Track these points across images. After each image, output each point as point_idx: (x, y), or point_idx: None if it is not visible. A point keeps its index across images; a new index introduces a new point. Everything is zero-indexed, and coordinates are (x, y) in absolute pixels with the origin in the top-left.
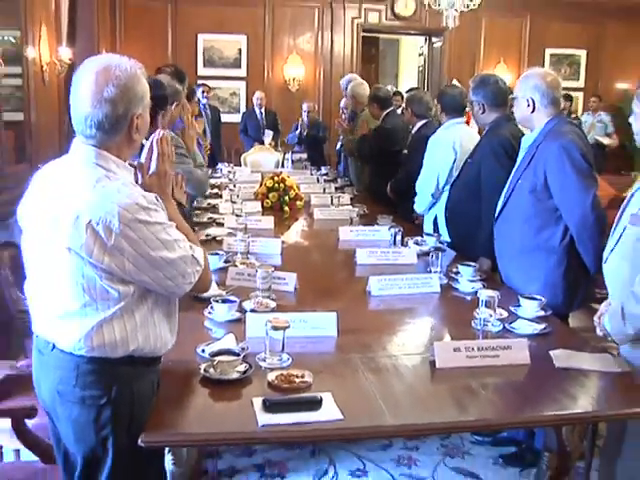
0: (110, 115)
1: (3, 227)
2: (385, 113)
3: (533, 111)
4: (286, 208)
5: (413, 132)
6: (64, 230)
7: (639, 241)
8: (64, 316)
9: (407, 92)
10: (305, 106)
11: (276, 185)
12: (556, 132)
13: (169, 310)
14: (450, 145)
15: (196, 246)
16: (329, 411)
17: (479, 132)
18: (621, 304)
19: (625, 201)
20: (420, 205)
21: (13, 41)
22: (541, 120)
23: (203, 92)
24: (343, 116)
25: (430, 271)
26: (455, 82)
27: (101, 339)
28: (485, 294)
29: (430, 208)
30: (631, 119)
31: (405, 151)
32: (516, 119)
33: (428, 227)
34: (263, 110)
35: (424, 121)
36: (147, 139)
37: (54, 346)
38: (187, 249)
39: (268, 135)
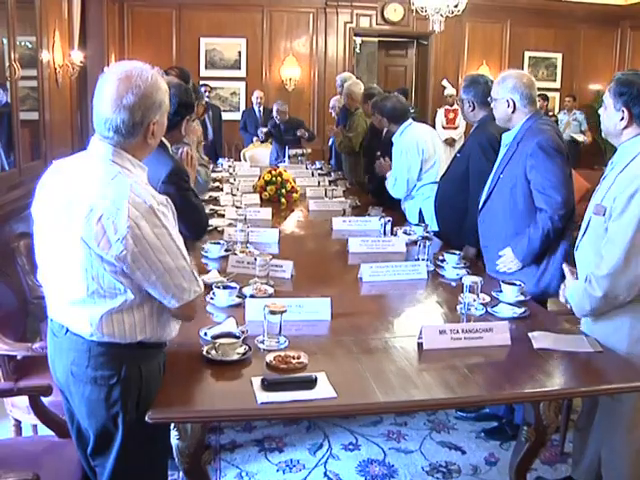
0: (127, 121)
1: (20, 219)
2: None
3: (514, 111)
4: (283, 200)
5: (383, 135)
6: (78, 221)
7: (601, 229)
8: (75, 302)
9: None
10: (275, 107)
11: (274, 178)
12: (535, 129)
13: None
14: (414, 149)
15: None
16: (323, 389)
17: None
18: (585, 280)
19: (594, 192)
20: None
21: (29, 46)
22: (521, 118)
23: (205, 91)
24: (332, 113)
25: (418, 259)
26: (445, 82)
27: (111, 329)
28: (469, 280)
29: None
30: (600, 111)
31: (378, 153)
32: (495, 119)
33: (413, 219)
34: (261, 108)
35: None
36: (172, 144)
37: (67, 330)
38: (188, 263)
39: (261, 132)
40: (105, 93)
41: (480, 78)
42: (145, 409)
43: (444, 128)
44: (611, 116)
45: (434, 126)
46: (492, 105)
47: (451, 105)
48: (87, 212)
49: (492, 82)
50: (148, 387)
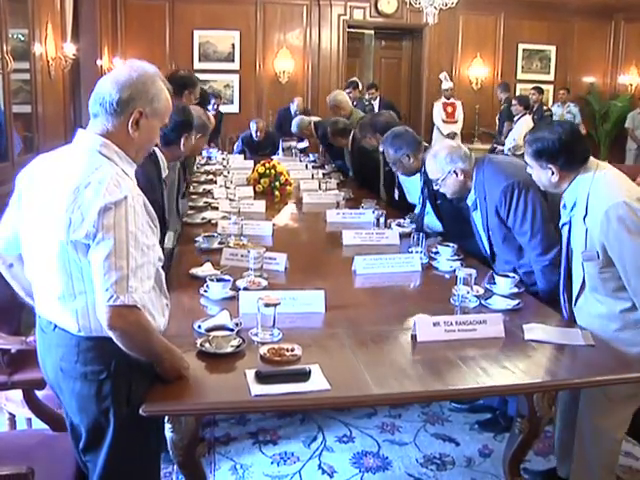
0: (114, 96)
1: None
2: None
3: (464, 176)
4: (277, 193)
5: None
6: (59, 212)
7: (602, 271)
8: (60, 298)
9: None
10: (254, 126)
11: (267, 171)
12: (490, 178)
13: (159, 294)
14: None
15: (153, 293)
16: (317, 382)
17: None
18: None
19: (565, 232)
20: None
21: (22, 39)
22: (471, 178)
23: (215, 104)
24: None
25: (412, 251)
26: (443, 75)
27: (98, 323)
28: (463, 272)
29: None
30: (529, 170)
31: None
32: (448, 194)
33: None
34: (297, 113)
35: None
36: (170, 161)
37: (55, 326)
38: (129, 271)
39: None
40: (107, 76)
41: (398, 129)
42: (136, 403)
43: (444, 122)
44: (541, 176)
45: (432, 120)
46: (436, 187)
47: (448, 98)
48: (69, 203)
49: (403, 124)
50: (139, 381)
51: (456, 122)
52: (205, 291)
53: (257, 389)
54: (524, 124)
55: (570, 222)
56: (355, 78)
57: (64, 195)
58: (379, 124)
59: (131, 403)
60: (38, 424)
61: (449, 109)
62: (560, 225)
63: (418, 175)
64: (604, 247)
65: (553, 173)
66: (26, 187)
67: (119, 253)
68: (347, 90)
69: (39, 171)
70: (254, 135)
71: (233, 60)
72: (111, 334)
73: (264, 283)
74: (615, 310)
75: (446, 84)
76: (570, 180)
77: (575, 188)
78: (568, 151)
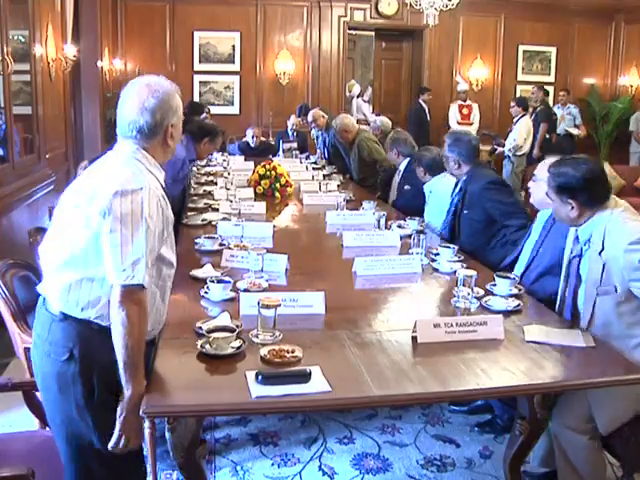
0: (149, 122)
1: (17, 213)
2: None
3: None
4: (277, 194)
5: (401, 169)
6: (96, 202)
7: (619, 305)
8: (63, 265)
9: (390, 134)
10: (252, 132)
11: (268, 173)
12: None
13: (162, 304)
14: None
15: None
16: (318, 383)
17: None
18: None
19: (574, 264)
20: None
21: (22, 40)
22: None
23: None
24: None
25: (412, 253)
26: (458, 77)
27: (76, 303)
28: (463, 273)
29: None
30: (548, 200)
31: (407, 187)
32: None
33: None
34: (295, 133)
35: (409, 159)
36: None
37: (44, 300)
38: (138, 255)
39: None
40: (129, 99)
41: (463, 137)
42: (102, 394)
43: (459, 124)
44: (560, 209)
45: (448, 122)
46: (530, 183)
47: (464, 100)
48: (111, 196)
49: (475, 139)
50: (102, 370)
51: (471, 124)
52: (206, 292)
53: (258, 390)
54: (523, 125)
55: (581, 255)
56: (305, 103)
57: (100, 194)
58: (424, 159)
59: (96, 391)
60: None
61: (465, 111)
62: (568, 257)
63: (447, 186)
64: (624, 279)
65: (572, 208)
66: (69, 188)
67: (114, 243)
68: (298, 118)
69: (91, 167)
70: (250, 142)
71: (233, 61)
72: (117, 313)
73: (264, 284)
74: (629, 346)
75: (461, 86)
76: (588, 217)
77: (591, 224)
78: (590, 189)
